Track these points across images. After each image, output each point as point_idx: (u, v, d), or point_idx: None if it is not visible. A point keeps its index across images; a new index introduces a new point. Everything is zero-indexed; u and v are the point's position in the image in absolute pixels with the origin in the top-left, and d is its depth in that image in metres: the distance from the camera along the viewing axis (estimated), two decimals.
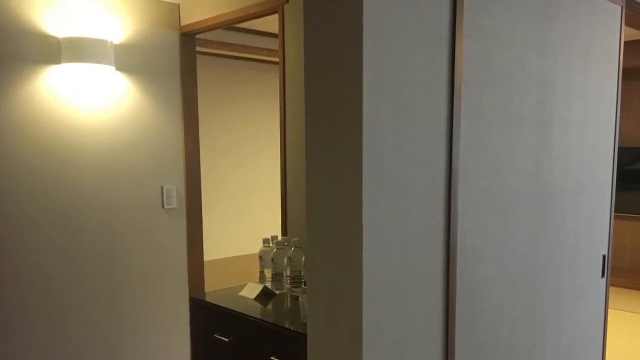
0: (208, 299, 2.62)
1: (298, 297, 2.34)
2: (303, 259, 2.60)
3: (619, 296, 6.15)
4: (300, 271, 2.61)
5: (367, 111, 1.51)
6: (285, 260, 2.63)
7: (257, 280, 2.74)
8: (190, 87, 3.39)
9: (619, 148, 2.70)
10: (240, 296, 2.62)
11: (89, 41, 2.80)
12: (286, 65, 2.80)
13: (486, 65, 1.90)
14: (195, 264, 3.50)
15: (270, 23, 4.25)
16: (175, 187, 3.35)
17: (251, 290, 2.63)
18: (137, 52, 3.13)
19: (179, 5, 3.28)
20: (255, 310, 2.42)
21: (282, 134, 2.87)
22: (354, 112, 1.51)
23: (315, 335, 1.72)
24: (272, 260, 2.65)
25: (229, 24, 3.07)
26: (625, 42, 3.35)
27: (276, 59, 3.16)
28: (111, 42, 2.92)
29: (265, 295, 2.60)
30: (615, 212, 3.00)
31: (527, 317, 2.25)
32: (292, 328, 2.19)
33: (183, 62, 3.33)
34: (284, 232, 2.91)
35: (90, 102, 2.97)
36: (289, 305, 2.50)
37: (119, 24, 3.04)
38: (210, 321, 2.58)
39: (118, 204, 3.12)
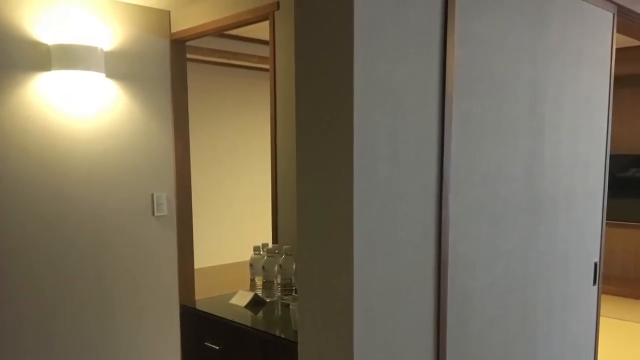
0: (198, 306, 2.60)
1: (289, 304, 2.32)
2: (294, 266, 2.59)
3: (609, 304, 6.16)
4: (291, 279, 2.60)
5: (358, 117, 1.50)
6: (276, 267, 2.62)
7: (248, 287, 2.72)
8: (180, 95, 3.37)
9: (610, 155, 2.70)
10: (231, 304, 2.60)
11: (79, 48, 2.79)
12: (277, 72, 2.80)
13: (479, 72, 1.90)
14: (186, 272, 3.47)
15: (261, 30, 4.26)
16: (166, 195, 3.33)
17: (242, 298, 2.62)
18: (127, 59, 3.12)
19: (169, 12, 3.28)
20: (246, 318, 2.40)
21: (272, 140, 2.86)
22: (345, 118, 1.51)
23: (306, 342, 1.71)
24: (263, 267, 2.63)
25: (220, 31, 3.06)
26: (616, 49, 3.38)
27: (267, 66, 3.15)
28: (101, 49, 2.91)
29: (255, 303, 2.59)
30: (606, 219, 3.00)
31: (519, 325, 2.24)
32: (282, 336, 2.17)
33: (173, 69, 3.32)
34: (275, 239, 2.89)
35: (81, 109, 2.95)
36: (279, 313, 2.49)
37: (109, 31, 3.03)
38: (201, 329, 2.56)
39: (108, 211, 3.10)
